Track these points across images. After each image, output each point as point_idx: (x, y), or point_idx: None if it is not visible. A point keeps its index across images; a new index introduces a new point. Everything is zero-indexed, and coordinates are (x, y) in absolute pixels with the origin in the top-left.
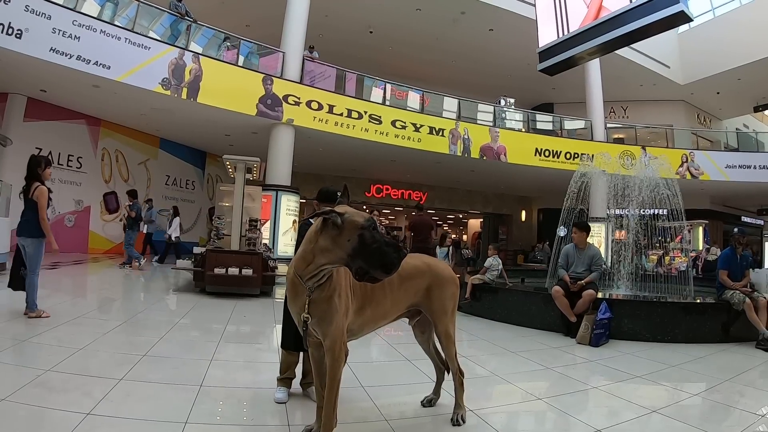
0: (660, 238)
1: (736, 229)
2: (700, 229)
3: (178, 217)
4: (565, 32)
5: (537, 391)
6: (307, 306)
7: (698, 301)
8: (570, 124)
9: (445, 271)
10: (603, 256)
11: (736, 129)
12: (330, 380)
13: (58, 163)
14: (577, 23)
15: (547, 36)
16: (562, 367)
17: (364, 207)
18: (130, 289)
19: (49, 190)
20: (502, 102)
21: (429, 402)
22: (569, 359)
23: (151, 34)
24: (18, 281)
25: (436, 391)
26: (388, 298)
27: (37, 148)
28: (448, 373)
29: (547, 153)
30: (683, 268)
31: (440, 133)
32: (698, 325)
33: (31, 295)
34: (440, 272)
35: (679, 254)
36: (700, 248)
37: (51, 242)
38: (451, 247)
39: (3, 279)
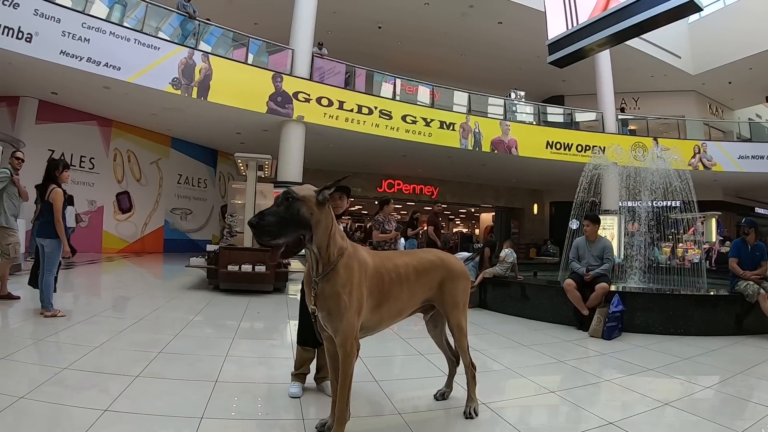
0: (673, 231)
1: (743, 220)
2: (713, 220)
3: (71, 207)
4: (575, 24)
5: (550, 384)
6: (314, 298)
7: (711, 293)
8: (581, 116)
9: (457, 265)
10: (615, 248)
11: (749, 119)
12: (342, 375)
13: (71, 164)
14: (586, 14)
15: (556, 28)
16: (574, 360)
17: (375, 203)
18: (144, 288)
19: (65, 192)
20: (513, 95)
21: (442, 395)
22: (582, 352)
23: (160, 34)
24: (37, 279)
25: (449, 384)
26: (405, 292)
27: (49, 150)
28: (459, 365)
29: (558, 146)
30: (696, 261)
31: (451, 128)
32: (711, 317)
33: (46, 294)
34: (453, 266)
35: (692, 246)
36: (714, 240)
37: (63, 244)
38: (483, 248)
39: (17, 279)
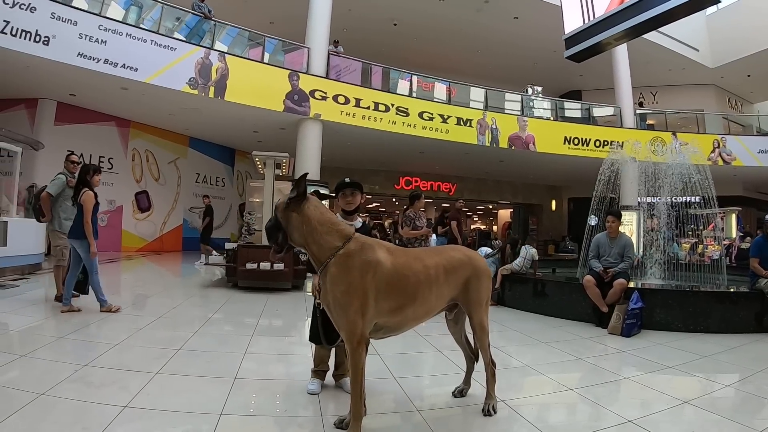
0: (692, 226)
1: (767, 216)
2: (733, 216)
3: None
4: (591, 18)
5: (568, 381)
6: (320, 292)
7: (731, 290)
8: (599, 111)
9: (482, 264)
10: (634, 245)
11: None
12: (353, 369)
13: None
14: (602, 8)
15: (572, 22)
16: (593, 357)
17: (393, 200)
18: (163, 286)
19: (96, 195)
20: (530, 90)
21: (460, 392)
22: (601, 350)
23: (176, 35)
24: (80, 284)
25: (467, 381)
26: (434, 293)
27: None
28: (477, 362)
29: (576, 141)
30: (716, 257)
31: (468, 124)
32: (731, 314)
33: (97, 292)
34: (478, 264)
35: (712, 242)
36: (734, 236)
37: (91, 244)
38: (505, 245)
39: (38, 279)
